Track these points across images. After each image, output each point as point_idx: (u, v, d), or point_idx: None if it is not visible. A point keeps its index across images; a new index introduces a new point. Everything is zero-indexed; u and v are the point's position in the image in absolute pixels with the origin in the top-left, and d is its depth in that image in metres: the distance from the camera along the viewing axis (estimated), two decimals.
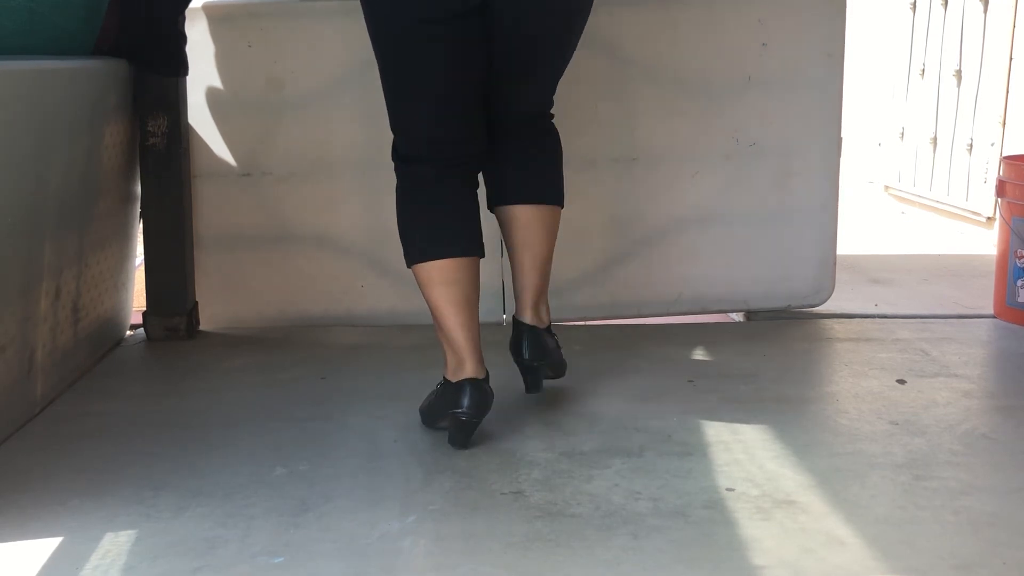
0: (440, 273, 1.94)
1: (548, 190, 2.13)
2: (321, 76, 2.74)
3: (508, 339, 2.14)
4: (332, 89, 2.74)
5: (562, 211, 2.16)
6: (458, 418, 1.93)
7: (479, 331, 1.96)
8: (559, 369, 2.18)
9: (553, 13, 1.98)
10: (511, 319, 2.16)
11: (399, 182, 2.04)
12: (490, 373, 1.98)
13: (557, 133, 2.20)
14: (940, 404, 2.19)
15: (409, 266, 1.99)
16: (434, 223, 1.99)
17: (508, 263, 2.74)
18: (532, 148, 2.14)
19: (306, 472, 1.87)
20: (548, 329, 2.14)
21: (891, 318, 2.88)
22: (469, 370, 1.93)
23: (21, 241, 2.02)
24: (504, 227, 2.13)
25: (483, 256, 2.02)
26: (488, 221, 2.11)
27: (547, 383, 2.20)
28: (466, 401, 1.91)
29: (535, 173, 2.13)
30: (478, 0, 1.89)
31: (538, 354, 2.10)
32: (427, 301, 1.97)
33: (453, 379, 1.95)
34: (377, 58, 1.98)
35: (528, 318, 2.10)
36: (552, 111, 2.19)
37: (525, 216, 2.09)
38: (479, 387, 1.92)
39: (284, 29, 2.72)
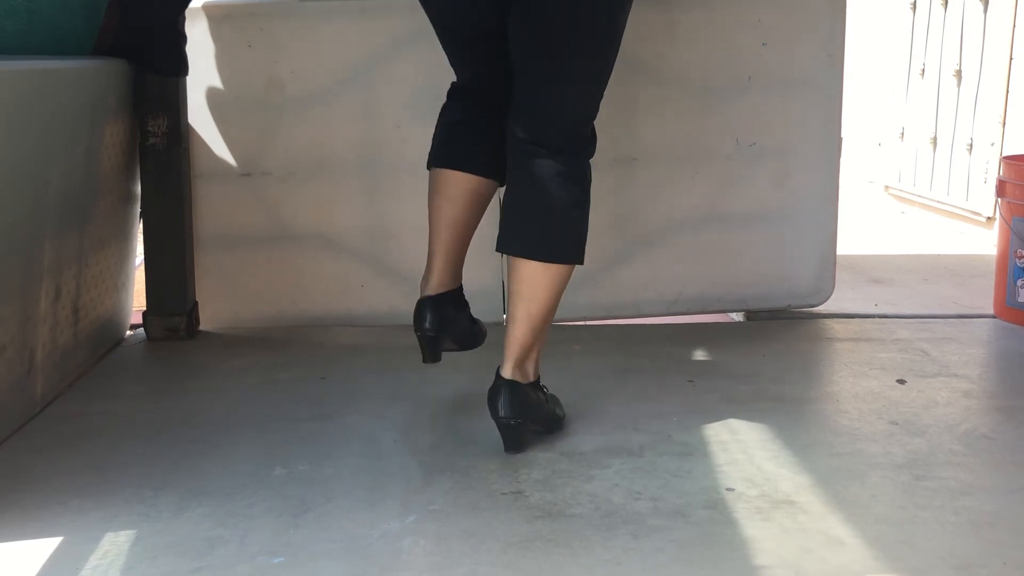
0: (441, 183, 2.07)
1: (557, 247, 1.92)
2: (321, 76, 2.74)
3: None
4: (332, 89, 2.74)
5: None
6: (419, 338, 2.07)
7: (460, 257, 2.09)
8: (550, 425, 2.02)
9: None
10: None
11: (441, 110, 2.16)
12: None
13: (587, 175, 1.96)
14: (940, 404, 2.19)
15: (428, 167, 2.11)
16: (450, 137, 2.10)
17: (508, 262, 2.75)
18: (550, 194, 1.92)
19: (306, 472, 1.87)
20: (535, 384, 1.98)
21: (891, 318, 2.88)
22: (432, 287, 2.07)
23: (21, 241, 2.02)
24: (507, 271, 1.99)
25: (497, 181, 2.08)
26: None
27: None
28: (423, 317, 2.06)
29: (546, 226, 1.92)
30: None
31: (515, 410, 1.91)
32: (429, 210, 2.09)
33: (420, 294, 2.09)
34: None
35: (508, 372, 1.92)
36: (587, 148, 1.97)
37: (524, 270, 1.92)
38: (432, 304, 2.06)
39: (284, 29, 2.72)
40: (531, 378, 1.96)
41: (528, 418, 1.94)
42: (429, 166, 2.11)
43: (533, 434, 1.98)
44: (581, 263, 1.97)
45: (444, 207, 2.07)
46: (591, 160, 1.98)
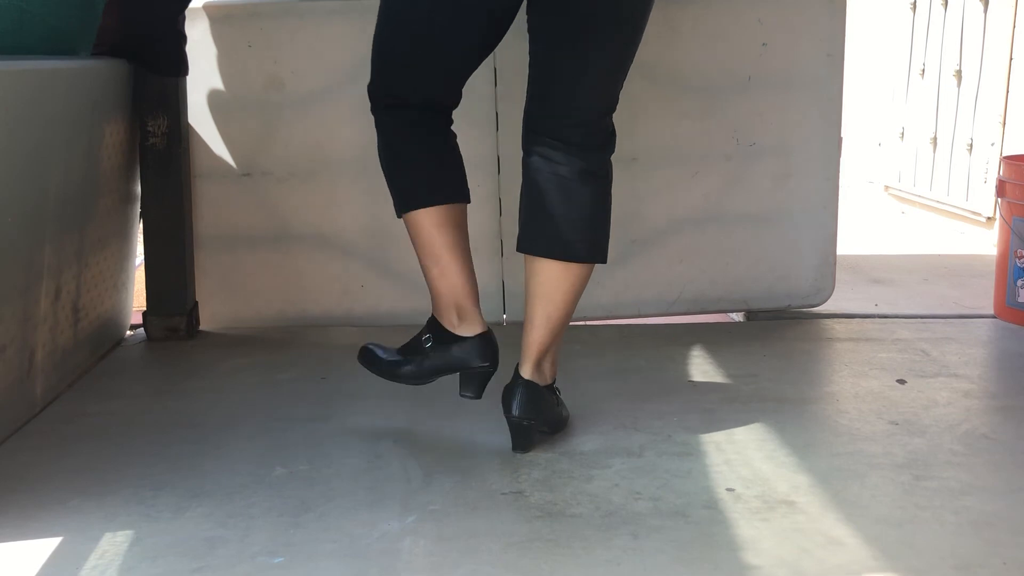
0: (431, 216, 1.93)
1: (576, 246, 1.89)
2: (321, 76, 2.74)
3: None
4: (332, 89, 2.74)
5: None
6: (482, 371, 1.96)
7: (476, 283, 1.98)
8: (556, 427, 2.02)
9: None
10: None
11: (377, 133, 2.00)
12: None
13: (607, 172, 1.93)
14: (940, 404, 2.19)
15: (399, 216, 1.98)
16: (417, 175, 1.96)
17: (508, 264, 2.76)
18: (570, 192, 1.89)
19: (306, 472, 1.87)
20: (550, 386, 1.99)
21: (891, 318, 2.88)
22: (477, 324, 1.96)
23: (21, 241, 2.02)
24: (525, 271, 1.96)
25: (468, 201, 1.98)
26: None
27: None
28: (485, 354, 1.96)
29: (567, 223, 1.89)
30: None
31: (530, 411, 1.91)
32: (421, 249, 1.96)
33: (463, 333, 1.96)
34: None
35: (527, 372, 1.93)
36: (609, 143, 1.94)
37: (545, 271, 1.90)
38: (491, 340, 1.97)
39: (284, 29, 2.72)
40: (548, 379, 1.97)
41: (540, 420, 1.95)
42: (407, 209, 1.95)
43: (540, 435, 1.99)
44: (604, 262, 1.95)
45: (450, 234, 1.94)
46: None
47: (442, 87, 1.96)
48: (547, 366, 1.96)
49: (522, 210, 1.96)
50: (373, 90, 1.98)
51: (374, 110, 1.99)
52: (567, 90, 1.88)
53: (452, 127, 2.02)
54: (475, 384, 1.98)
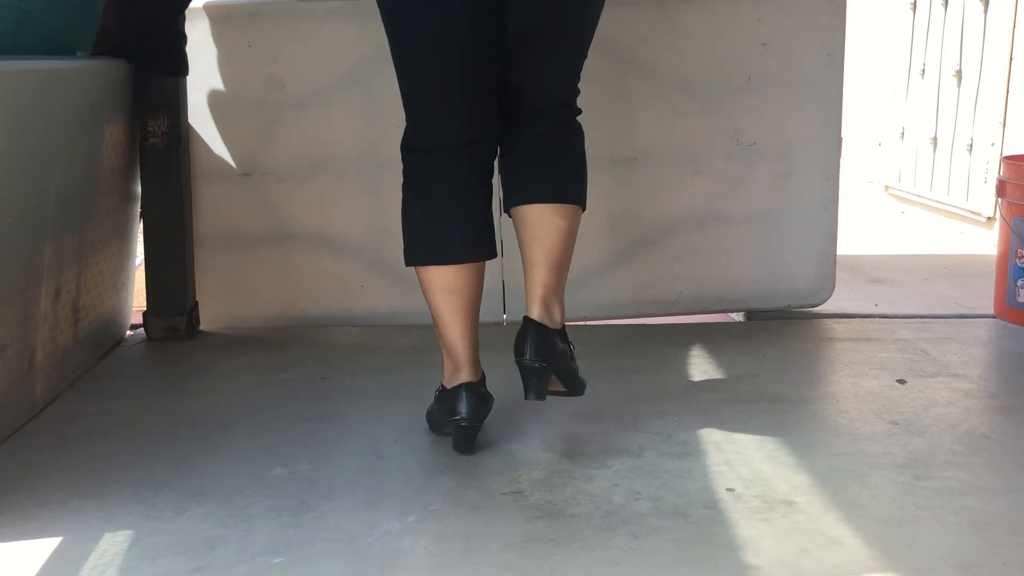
0: (441, 279, 1.91)
1: (561, 188, 1.94)
2: (321, 76, 2.74)
3: (509, 339, 2.12)
4: (332, 89, 2.74)
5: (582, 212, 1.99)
6: (458, 424, 1.92)
7: (478, 337, 1.95)
8: (571, 382, 1.97)
9: None
10: (516, 319, 2.12)
11: (404, 175, 1.98)
12: (491, 373, 1.98)
13: (580, 130, 2.03)
14: (940, 404, 2.19)
15: (408, 265, 1.96)
16: (437, 224, 1.93)
17: (508, 263, 2.76)
18: (548, 145, 1.97)
19: (306, 472, 1.87)
20: (561, 332, 1.94)
21: (891, 318, 2.88)
22: (465, 375, 1.92)
23: (21, 241, 2.02)
24: (516, 227, 1.97)
25: (492, 257, 1.96)
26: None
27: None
28: (463, 407, 1.91)
29: (549, 171, 1.95)
30: None
31: (541, 353, 1.87)
32: (427, 303, 1.96)
33: (449, 385, 1.94)
34: (384, 25, 1.95)
35: (535, 313, 1.89)
36: (577, 106, 2.04)
37: (535, 213, 1.92)
38: (475, 391, 1.92)
39: (284, 29, 2.72)
40: (558, 324, 1.94)
41: (552, 365, 1.91)
42: (418, 263, 1.93)
43: (556, 395, 1.96)
44: (583, 206, 1.98)
45: (453, 300, 1.92)
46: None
47: (472, 104, 1.93)
48: (556, 308, 1.93)
49: (507, 172, 1.99)
50: (409, 141, 1.99)
51: (405, 155, 1.99)
52: (534, 82, 1.96)
53: (485, 168, 1.99)
54: (458, 439, 1.94)
